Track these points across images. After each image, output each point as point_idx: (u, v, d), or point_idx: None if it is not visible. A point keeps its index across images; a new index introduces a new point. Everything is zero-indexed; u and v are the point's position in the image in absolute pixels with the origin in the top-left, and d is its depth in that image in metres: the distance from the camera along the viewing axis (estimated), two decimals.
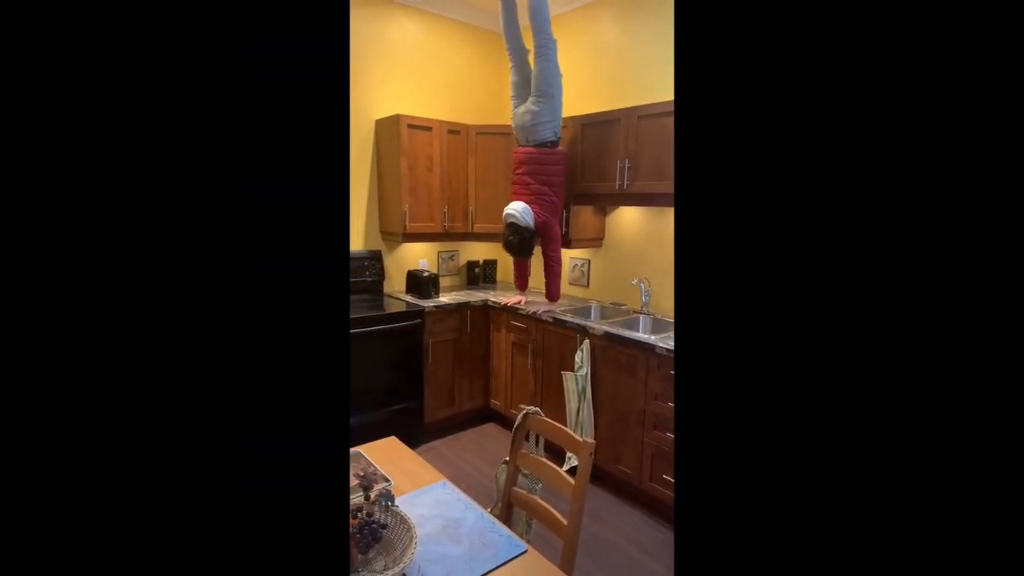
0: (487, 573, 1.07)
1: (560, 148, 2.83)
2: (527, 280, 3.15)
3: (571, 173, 2.92)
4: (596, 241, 3.17)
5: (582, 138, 2.86)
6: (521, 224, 2.71)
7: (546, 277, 2.89)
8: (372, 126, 3.20)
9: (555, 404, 2.80)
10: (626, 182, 2.63)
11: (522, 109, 2.76)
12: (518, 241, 2.74)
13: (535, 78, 2.67)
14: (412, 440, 2.96)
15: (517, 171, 2.84)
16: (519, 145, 2.86)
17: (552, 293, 2.91)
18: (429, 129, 3.07)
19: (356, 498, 1.21)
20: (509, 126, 3.30)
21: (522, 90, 2.79)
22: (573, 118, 2.91)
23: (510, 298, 3.13)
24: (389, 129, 3.06)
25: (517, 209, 2.72)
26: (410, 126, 3.00)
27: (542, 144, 2.75)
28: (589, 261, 3.30)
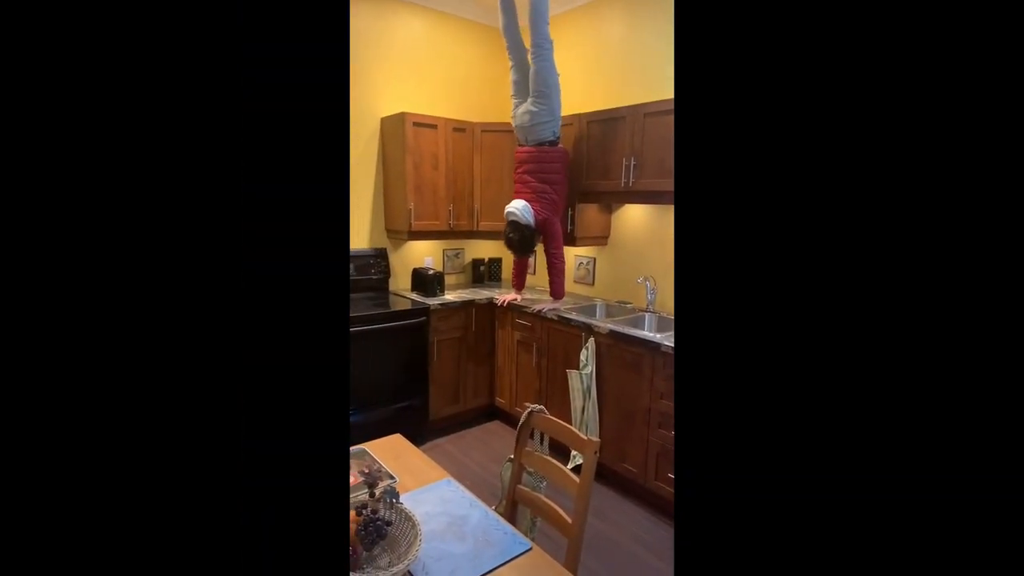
0: (491, 571, 1.07)
1: (561, 146, 2.83)
2: (524, 280, 3.16)
3: (576, 170, 2.91)
4: (601, 239, 3.16)
5: (587, 135, 2.85)
6: (521, 222, 2.72)
7: (549, 275, 2.90)
8: (377, 124, 3.20)
9: (560, 402, 2.79)
10: (631, 180, 2.62)
11: (521, 109, 2.77)
12: (518, 238, 2.76)
13: (532, 79, 2.68)
14: (417, 438, 2.97)
15: (518, 170, 2.86)
16: (519, 144, 2.87)
17: (556, 291, 2.91)
18: (434, 127, 3.08)
19: (361, 495, 1.22)
20: None
21: (522, 89, 2.80)
22: (578, 115, 2.90)
23: (504, 296, 3.14)
24: (394, 127, 3.07)
25: (517, 207, 2.74)
26: (415, 124, 3.00)
27: (541, 143, 2.76)
28: (594, 259, 3.29)
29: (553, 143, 2.78)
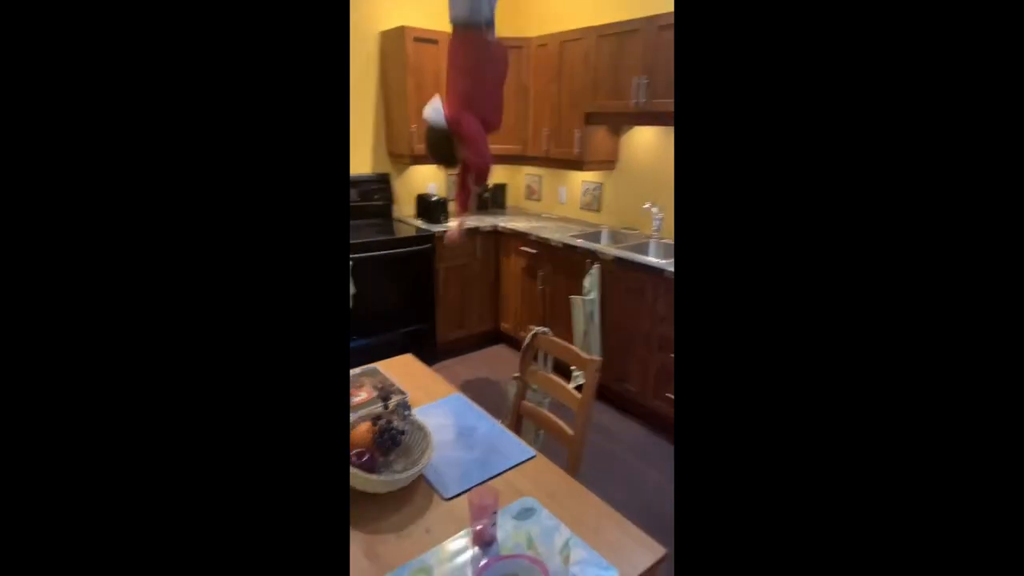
0: (498, 474, 1.15)
1: (490, 36, 2.13)
2: (466, 200, 2.52)
3: (584, 90, 2.78)
4: (609, 164, 3.08)
5: (596, 51, 2.70)
6: (430, 121, 2.21)
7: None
8: (376, 40, 3.03)
9: (564, 327, 2.86)
10: (642, 100, 2.51)
11: None
12: (427, 140, 2.27)
13: None
14: (426, 360, 3.07)
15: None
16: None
17: (457, 201, 2.49)
18: (436, 42, 2.91)
19: (375, 407, 1.29)
20: (522, 38, 3.11)
21: None
22: (585, 29, 2.73)
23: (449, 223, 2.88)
24: (394, 43, 2.91)
25: (431, 105, 2.22)
26: (416, 39, 2.84)
27: (456, 23, 2.10)
28: (602, 185, 3.23)
29: (468, 26, 2.07)
